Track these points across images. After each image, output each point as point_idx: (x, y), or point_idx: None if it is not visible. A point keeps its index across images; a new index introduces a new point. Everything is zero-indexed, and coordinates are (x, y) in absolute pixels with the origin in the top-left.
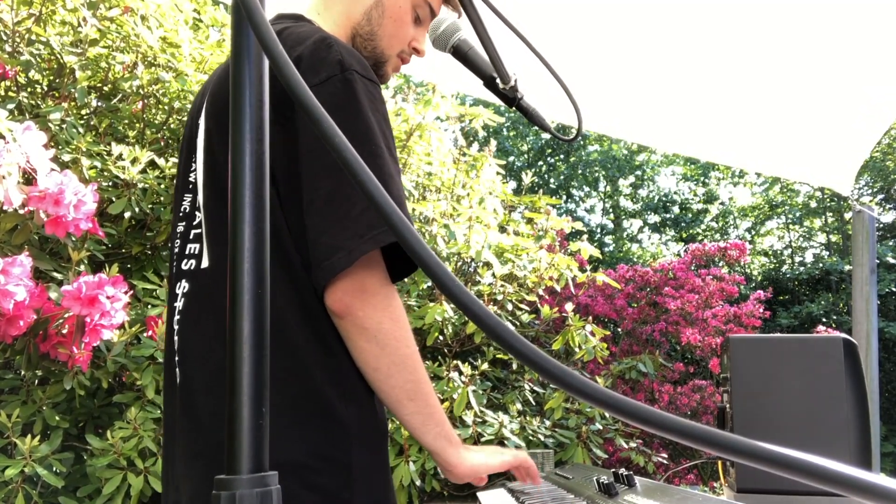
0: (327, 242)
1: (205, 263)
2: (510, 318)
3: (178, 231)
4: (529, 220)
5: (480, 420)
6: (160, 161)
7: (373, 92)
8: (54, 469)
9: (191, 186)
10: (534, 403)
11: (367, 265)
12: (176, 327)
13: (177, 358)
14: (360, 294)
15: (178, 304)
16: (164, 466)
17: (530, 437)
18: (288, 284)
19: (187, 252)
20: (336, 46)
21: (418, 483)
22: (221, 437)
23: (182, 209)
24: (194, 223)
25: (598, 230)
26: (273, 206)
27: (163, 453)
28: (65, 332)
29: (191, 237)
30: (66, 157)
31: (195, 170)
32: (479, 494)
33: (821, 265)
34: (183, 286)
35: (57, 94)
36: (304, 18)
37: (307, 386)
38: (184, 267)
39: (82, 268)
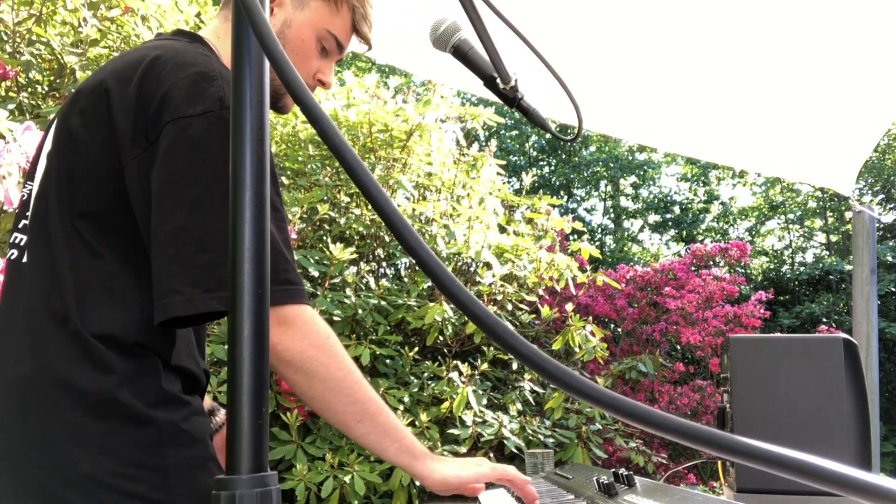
0: (166, 282)
1: (25, 258)
2: (510, 318)
3: (15, 218)
4: (530, 221)
5: (480, 420)
6: None
7: None
8: None
9: (35, 176)
10: (534, 403)
11: None
12: None
13: None
14: (277, 327)
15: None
16: None
17: (530, 437)
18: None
19: (13, 240)
20: (219, 80)
21: (418, 483)
22: (22, 448)
23: (23, 196)
24: (26, 213)
25: (599, 230)
26: (118, 222)
27: None
28: None
29: (19, 226)
30: None
31: (39, 159)
32: (479, 494)
33: (821, 265)
34: (4, 276)
35: (57, 95)
36: (200, 40)
37: (112, 396)
38: (10, 256)
39: None
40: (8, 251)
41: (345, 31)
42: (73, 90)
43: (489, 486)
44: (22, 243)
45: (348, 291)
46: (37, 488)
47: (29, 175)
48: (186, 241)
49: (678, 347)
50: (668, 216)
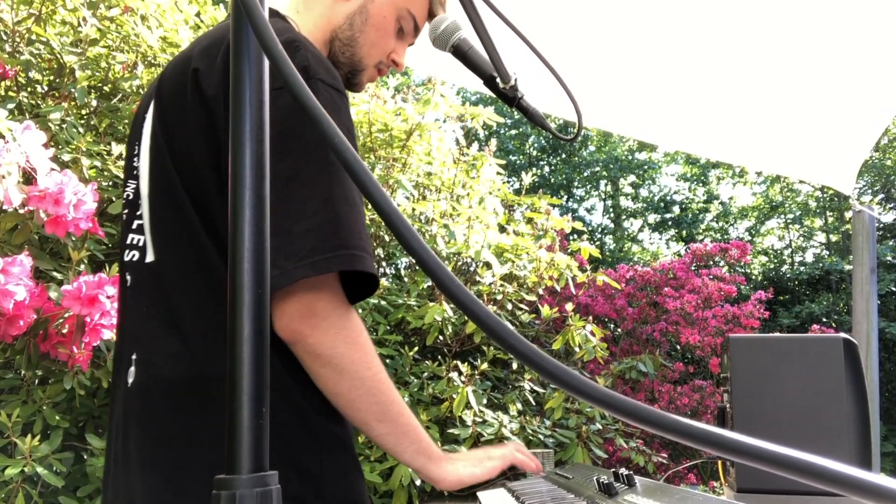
0: None
1: (149, 257)
2: (510, 318)
3: (124, 219)
4: (529, 220)
5: (480, 420)
6: None
7: (337, 102)
8: (54, 469)
9: (135, 173)
10: (534, 403)
11: (316, 286)
12: (126, 323)
13: (134, 356)
14: (309, 318)
15: (127, 299)
16: (107, 467)
17: (530, 437)
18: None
19: (129, 242)
20: (304, 50)
21: (418, 483)
22: (182, 448)
23: (126, 195)
24: (137, 212)
25: (599, 230)
26: (213, 196)
27: (107, 453)
28: (65, 331)
29: (133, 227)
30: (66, 157)
31: (138, 154)
32: (479, 494)
33: (821, 265)
34: (127, 279)
35: (57, 94)
36: (279, 15)
37: (283, 394)
38: (126, 258)
39: (82, 267)
40: (127, 254)
41: (423, 12)
42: (72, 89)
43: (488, 484)
44: (140, 244)
45: None
46: (195, 490)
47: (128, 174)
48: (282, 213)
49: (678, 347)
50: (668, 216)
